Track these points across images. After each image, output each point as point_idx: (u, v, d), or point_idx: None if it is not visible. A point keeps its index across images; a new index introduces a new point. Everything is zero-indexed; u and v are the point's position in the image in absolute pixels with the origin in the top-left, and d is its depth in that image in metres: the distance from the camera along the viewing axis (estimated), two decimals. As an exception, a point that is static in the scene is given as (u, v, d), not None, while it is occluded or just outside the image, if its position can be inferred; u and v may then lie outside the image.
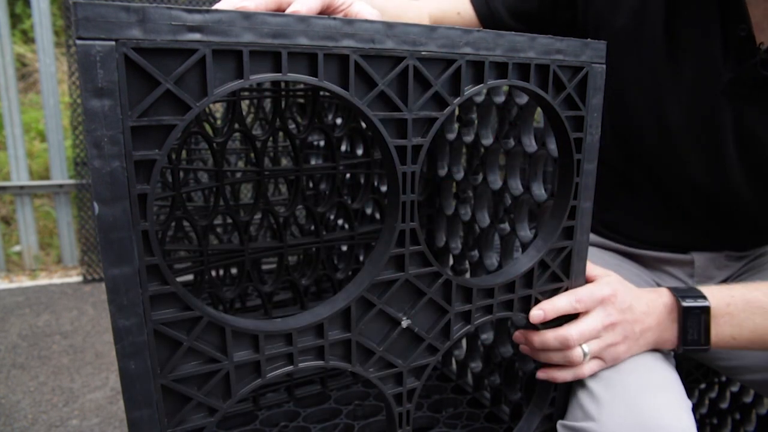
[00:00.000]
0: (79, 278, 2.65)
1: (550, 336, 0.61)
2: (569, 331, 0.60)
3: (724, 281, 0.86)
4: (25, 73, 4.02)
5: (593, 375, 0.63)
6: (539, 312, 0.60)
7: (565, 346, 0.60)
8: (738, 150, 0.71)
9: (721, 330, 0.63)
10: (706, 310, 0.62)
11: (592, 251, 0.69)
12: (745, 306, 0.63)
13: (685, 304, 0.62)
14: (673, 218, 0.82)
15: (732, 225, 0.79)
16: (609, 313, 0.61)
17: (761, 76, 0.66)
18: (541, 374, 0.64)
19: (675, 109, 0.73)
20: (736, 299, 0.63)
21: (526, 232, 0.73)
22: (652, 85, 0.73)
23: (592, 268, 0.65)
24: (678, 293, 0.63)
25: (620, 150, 0.80)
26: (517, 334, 0.66)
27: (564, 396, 0.67)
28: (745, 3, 0.65)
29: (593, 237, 0.90)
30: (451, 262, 0.93)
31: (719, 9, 0.67)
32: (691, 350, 0.64)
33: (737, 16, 0.66)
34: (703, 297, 0.63)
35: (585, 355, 0.60)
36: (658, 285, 0.87)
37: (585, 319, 0.61)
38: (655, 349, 0.67)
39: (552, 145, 0.68)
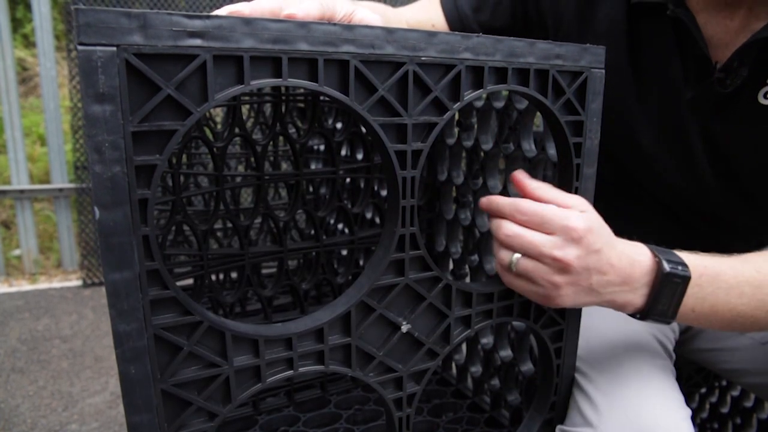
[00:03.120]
0: (79, 282, 2.64)
1: (493, 203, 0.56)
2: (500, 223, 0.54)
3: None
4: (26, 77, 4.03)
5: (592, 380, 0.63)
6: (485, 200, 0.57)
7: (494, 229, 0.55)
8: (709, 162, 0.72)
9: (686, 300, 0.56)
10: (686, 281, 0.55)
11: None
12: (714, 279, 0.57)
13: (668, 269, 0.54)
14: (671, 226, 0.82)
15: (726, 231, 0.80)
16: (567, 251, 0.51)
17: (719, 94, 0.67)
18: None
19: (645, 129, 0.74)
20: (708, 270, 0.57)
21: (525, 237, 0.73)
22: (622, 109, 0.74)
23: (563, 195, 0.56)
24: (660, 255, 0.56)
25: (609, 165, 0.80)
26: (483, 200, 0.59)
27: (564, 401, 0.67)
28: (698, 24, 0.66)
29: None
30: (451, 266, 0.93)
31: (674, 31, 0.68)
32: (653, 320, 0.57)
33: (690, 37, 0.66)
34: (684, 264, 0.55)
35: (511, 265, 0.54)
36: None
37: (534, 233, 0.52)
38: (655, 356, 0.67)
39: (552, 150, 0.68)
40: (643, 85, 0.73)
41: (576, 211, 0.53)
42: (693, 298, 0.56)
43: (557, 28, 0.79)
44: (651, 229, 0.85)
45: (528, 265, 0.53)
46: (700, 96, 0.69)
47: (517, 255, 0.53)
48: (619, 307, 0.57)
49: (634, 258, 0.55)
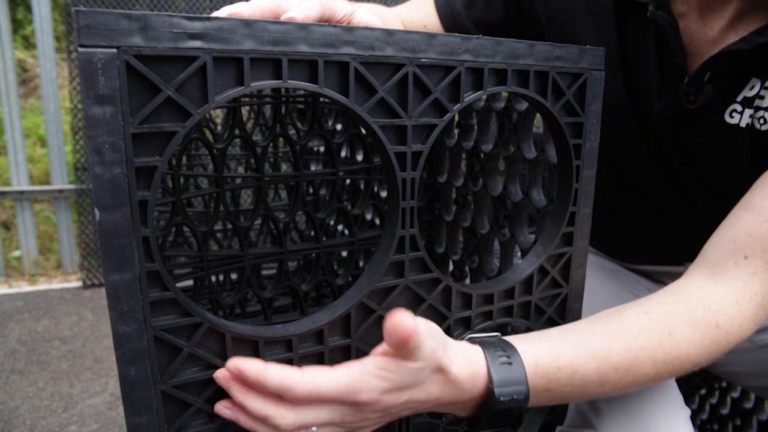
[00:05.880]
0: (79, 283, 2.64)
1: (273, 377, 0.42)
2: (273, 412, 0.42)
3: None
4: (26, 79, 4.03)
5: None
6: (224, 372, 0.44)
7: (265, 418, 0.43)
8: (689, 173, 0.71)
9: (536, 400, 0.51)
10: (523, 403, 0.49)
11: (590, 258, 0.69)
12: (568, 380, 0.51)
13: (500, 399, 0.48)
14: (665, 233, 0.81)
15: None
16: (346, 413, 0.44)
17: (686, 109, 0.64)
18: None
19: (630, 135, 0.72)
20: (561, 373, 0.51)
21: (525, 238, 0.73)
22: (614, 113, 0.72)
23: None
24: (495, 373, 0.48)
25: (609, 169, 0.79)
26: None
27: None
28: (679, 29, 0.62)
29: (590, 252, 0.90)
30: (450, 267, 0.93)
31: (656, 34, 0.65)
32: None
33: (669, 43, 0.63)
34: (524, 383, 0.49)
35: None
36: None
37: (313, 409, 0.44)
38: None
39: (551, 151, 0.68)
40: (631, 89, 0.71)
41: (361, 384, 0.44)
42: (546, 399, 0.51)
43: (549, 20, 0.77)
44: (648, 235, 0.85)
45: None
46: (668, 108, 0.66)
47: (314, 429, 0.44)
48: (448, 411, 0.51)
49: (462, 386, 0.48)
